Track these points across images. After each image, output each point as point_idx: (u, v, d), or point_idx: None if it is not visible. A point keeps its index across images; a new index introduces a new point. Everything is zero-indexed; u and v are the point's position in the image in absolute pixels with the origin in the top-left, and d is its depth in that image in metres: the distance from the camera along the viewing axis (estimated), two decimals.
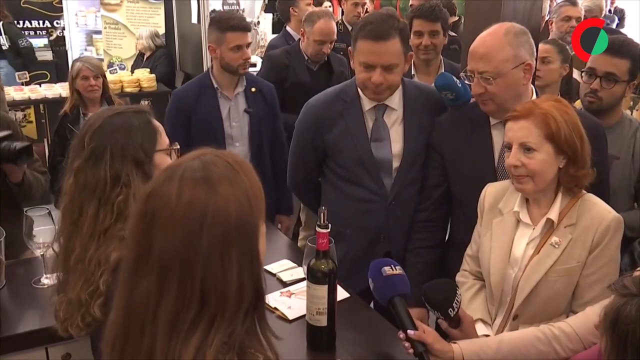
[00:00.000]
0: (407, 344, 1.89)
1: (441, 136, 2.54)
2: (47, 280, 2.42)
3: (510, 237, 2.10)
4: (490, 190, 2.23)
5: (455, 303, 1.96)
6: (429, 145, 2.59)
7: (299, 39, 4.43)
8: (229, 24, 3.40)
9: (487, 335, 2.05)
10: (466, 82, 2.39)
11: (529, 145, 1.97)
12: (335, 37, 4.25)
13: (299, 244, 4.14)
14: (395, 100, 2.62)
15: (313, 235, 2.00)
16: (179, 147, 1.91)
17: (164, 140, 1.88)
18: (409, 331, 1.88)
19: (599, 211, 2.01)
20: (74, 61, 4.35)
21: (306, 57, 4.26)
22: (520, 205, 2.10)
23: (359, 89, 2.63)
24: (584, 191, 2.06)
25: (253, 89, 3.58)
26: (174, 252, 1.11)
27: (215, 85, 3.49)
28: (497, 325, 2.12)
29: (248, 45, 3.43)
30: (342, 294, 2.33)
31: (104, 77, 4.26)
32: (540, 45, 3.55)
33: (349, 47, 2.65)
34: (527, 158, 1.98)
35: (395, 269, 2.00)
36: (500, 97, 2.28)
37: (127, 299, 1.16)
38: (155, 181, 1.19)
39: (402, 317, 1.92)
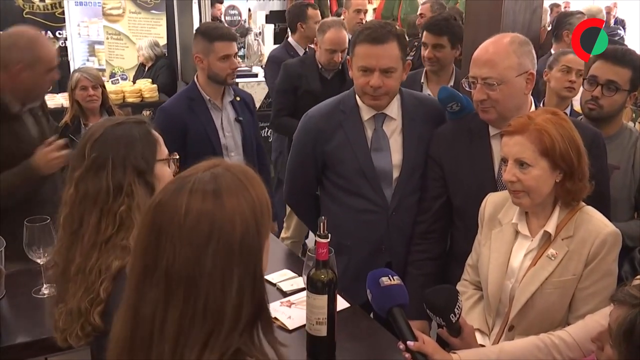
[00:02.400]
0: (407, 355, 1.88)
1: (440, 147, 2.54)
2: (47, 290, 2.42)
3: (509, 248, 2.10)
4: (490, 200, 2.23)
5: (457, 309, 1.95)
6: (428, 157, 2.58)
7: (300, 49, 4.49)
8: (217, 33, 3.38)
9: (483, 346, 2.05)
10: (466, 88, 2.39)
11: (524, 161, 1.96)
12: (347, 45, 4.27)
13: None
14: (394, 110, 2.63)
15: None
16: (178, 157, 1.91)
17: (163, 150, 1.88)
18: (408, 342, 1.86)
19: (596, 224, 2.00)
20: (73, 72, 4.34)
21: (320, 66, 4.32)
22: (519, 216, 2.10)
23: (357, 99, 2.63)
24: (582, 203, 2.05)
25: (238, 98, 3.59)
26: (180, 267, 1.11)
27: (207, 97, 3.44)
28: (494, 335, 2.12)
29: (235, 54, 3.42)
30: (342, 303, 2.33)
31: (103, 87, 4.25)
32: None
33: (348, 57, 2.66)
34: (523, 173, 1.97)
35: (393, 279, 1.97)
36: (503, 104, 2.28)
37: (134, 311, 1.15)
38: (165, 192, 1.18)
39: (401, 328, 1.90)
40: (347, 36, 4.30)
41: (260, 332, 1.18)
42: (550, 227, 2.02)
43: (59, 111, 5.66)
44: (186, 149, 3.31)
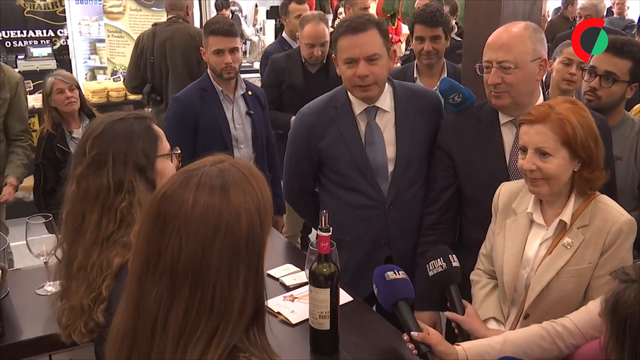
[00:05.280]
0: (411, 346, 1.91)
1: (449, 137, 2.53)
2: (51, 287, 2.43)
3: (524, 237, 2.11)
4: (504, 190, 2.23)
5: (453, 256, 2.11)
6: (437, 147, 2.58)
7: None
8: (211, 28, 3.47)
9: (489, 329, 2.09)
10: (479, 73, 2.39)
11: (545, 151, 1.96)
12: (327, 39, 4.26)
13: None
14: (387, 102, 2.61)
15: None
16: (180, 151, 1.91)
17: (164, 145, 1.88)
18: (412, 333, 1.90)
19: (612, 213, 2.00)
20: (46, 77, 4.08)
21: (304, 60, 4.31)
22: (533, 206, 2.10)
23: (349, 94, 2.63)
24: (597, 192, 2.06)
25: (250, 92, 3.66)
26: (186, 260, 1.11)
27: (220, 88, 3.52)
28: (509, 323, 2.13)
29: (232, 50, 3.45)
30: (344, 297, 2.33)
31: (79, 89, 4.08)
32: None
33: (334, 55, 2.65)
34: (543, 162, 1.97)
35: (399, 274, 2.02)
36: (517, 89, 2.29)
37: (136, 302, 1.15)
38: (171, 183, 1.18)
39: (406, 320, 1.95)
40: (326, 30, 4.27)
41: (255, 329, 1.18)
42: (566, 216, 2.02)
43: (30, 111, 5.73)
44: (197, 138, 3.41)
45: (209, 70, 3.57)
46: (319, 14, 4.43)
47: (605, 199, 2.05)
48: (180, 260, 1.11)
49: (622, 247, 1.98)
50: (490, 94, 2.36)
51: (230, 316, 1.11)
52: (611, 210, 2.01)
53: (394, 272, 2.02)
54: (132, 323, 1.16)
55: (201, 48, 3.56)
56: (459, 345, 1.92)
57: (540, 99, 2.38)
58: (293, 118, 4.09)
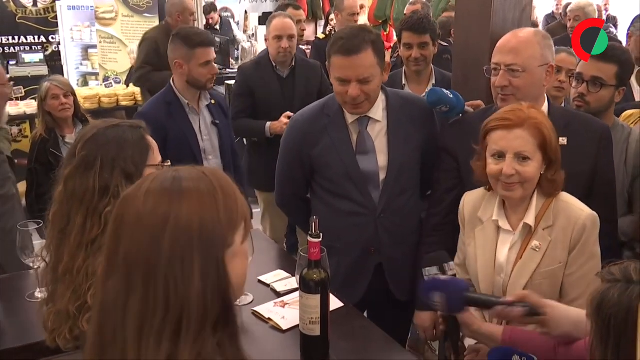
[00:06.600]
0: (509, 309, 1.83)
1: (455, 139, 2.55)
2: (41, 294, 2.40)
3: (493, 244, 2.14)
4: (468, 200, 2.26)
5: (449, 264, 2.04)
6: (441, 149, 2.60)
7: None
8: (199, 39, 3.38)
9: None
10: (487, 75, 2.42)
11: (526, 155, 1.99)
12: (294, 32, 4.24)
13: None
14: (379, 112, 2.62)
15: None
16: (170, 163, 1.91)
17: (156, 157, 1.89)
18: (504, 300, 1.87)
19: (574, 211, 2.04)
20: (42, 82, 4.07)
21: (274, 65, 4.26)
22: (498, 212, 2.13)
23: None
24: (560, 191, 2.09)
25: (213, 102, 3.59)
26: (137, 252, 1.11)
27: (186, 101, 3.43)
28: None
29: (214, 60, 3.43)
30: (335, 303, 2.33)
31: (74, 95, 4.07)
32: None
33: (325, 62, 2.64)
34: (522, 167, 2.00)
35: (449, 269, 2.03)
36: (523, 92, 2.32)
37: (99, 301, 1.16)
38: (130, 189, 1.21)
39: (486, 299, 1.95)
40: (294, 25, 4.26)
41: (226, 340, 1.15)
42: (530, 219, 2.06)
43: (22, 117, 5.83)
44: (165, 154, 3.30)
45: (173, 83, 3.45)
46: (284, 12, 4.43)
47: (565, 197, 2.08)
48: (131, 252, 1.12)
49: (588, 242, 2.02)
50: (497, 97, 2.40)
51: (190, 311, 1.09)
52: (573, 208, 2.05)
53: (442, 272, 2.02)
54: (98, 325, 1.15)
55: (177, 61, 3.36)
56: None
57: (545, 106, 2.41)
58: (268, 124, 4.09)
